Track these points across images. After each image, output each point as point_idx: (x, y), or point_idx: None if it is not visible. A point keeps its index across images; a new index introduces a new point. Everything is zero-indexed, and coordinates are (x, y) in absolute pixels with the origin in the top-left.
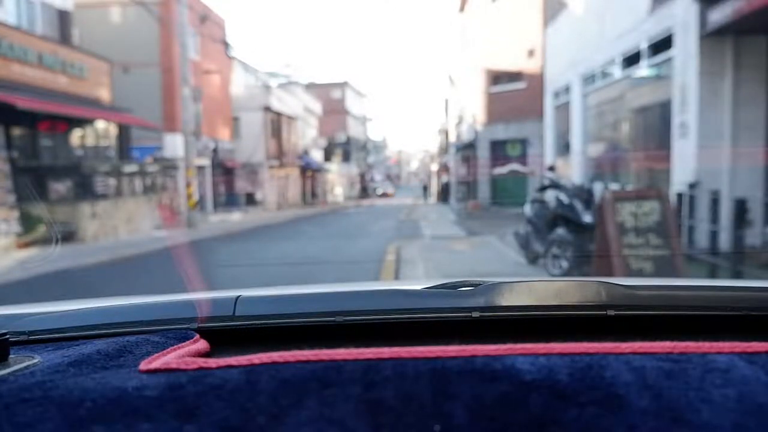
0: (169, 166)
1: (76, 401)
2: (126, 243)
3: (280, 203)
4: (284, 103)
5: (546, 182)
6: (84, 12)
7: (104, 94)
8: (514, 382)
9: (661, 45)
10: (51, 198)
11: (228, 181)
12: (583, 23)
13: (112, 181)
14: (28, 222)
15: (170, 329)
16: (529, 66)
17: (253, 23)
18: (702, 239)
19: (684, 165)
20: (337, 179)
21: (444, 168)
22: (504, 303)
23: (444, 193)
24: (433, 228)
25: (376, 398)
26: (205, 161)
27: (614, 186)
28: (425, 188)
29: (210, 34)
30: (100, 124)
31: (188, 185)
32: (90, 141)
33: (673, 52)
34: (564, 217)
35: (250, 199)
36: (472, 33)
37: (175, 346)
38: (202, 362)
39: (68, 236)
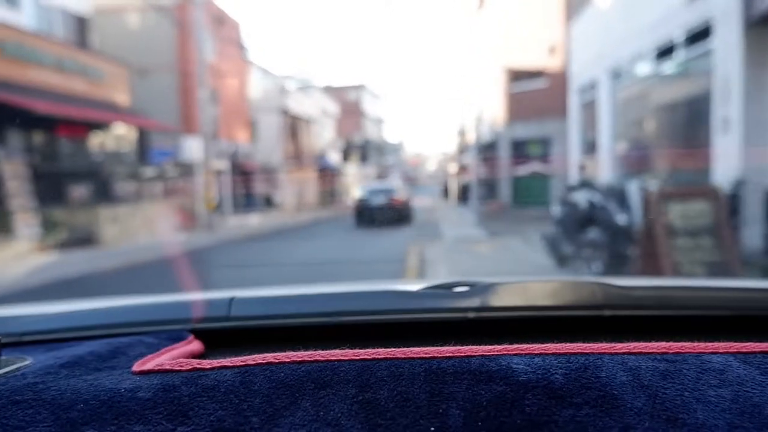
0: (187, 170)
1: (68, 403)
2: (145, 247)
3: (298, 205)
4: (301, 105)
5: (576, 182)
6: (102, 17)
7: (122, 98)
8: (509, 382)
9: (699, 36)
10: (71, 202)
11: (246, 184)
12: (609, 16)
13: (131, 185)
14: (48, 226)
15: (164, 330)
16: (551, 63)
17: (269, 27)
18: (753, 241)
19: (726, 162)
20: (354, 181)
21: (462, 169)
22: (499, 303)
23: (463, 195)
24: (454, 229)
25: (372, 399)
26: (224, 164)
27: (652, 185)
28: (445, 189)
29: (226, 37)
30: (119, 129)
31: (207, 188)
32: (109, 145)
33: (712, 43)
34: (596, 218)
35: (269, 202)
36: (491, 31)
37: (169, 347)
38: (196, 363)
39: (88, 240)
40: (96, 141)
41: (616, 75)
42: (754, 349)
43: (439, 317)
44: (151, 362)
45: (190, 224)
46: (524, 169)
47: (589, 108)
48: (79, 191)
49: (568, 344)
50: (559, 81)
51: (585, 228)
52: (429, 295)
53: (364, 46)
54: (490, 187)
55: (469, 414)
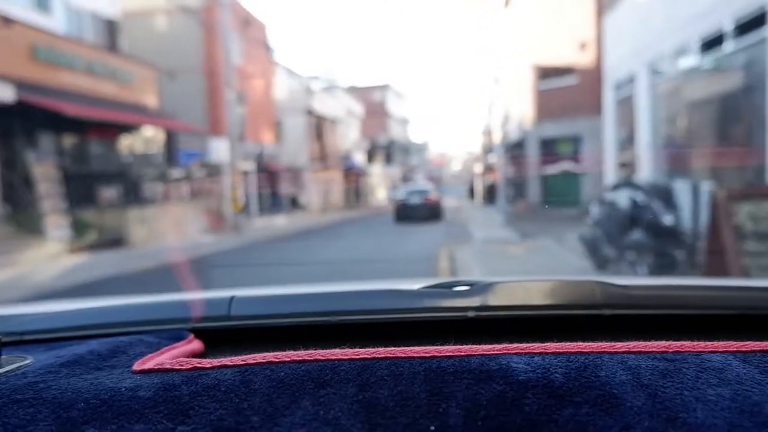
0: (214, 171)
1: (69, 402)
2: (173, 248)
3: (324, 206)
4: (326, 106)
5: (617, 181)
6: (131, 21)
7: (151, 101)
8: (509, 381)
9: (751, 24)
10: (100, 204)
11: (272, 185)
12: (649, 8)
13: (159, 187)
14: (78, 227)
15: (164, 329)
16: (581, 60)
17: (295, 28)
18: None
19: None
20: (380, 181)
21: (488, 169)
22: (499, 303)
23: (489, 195)
24: (483, 230)
25: (372, 398)
26: (250, 165)
27: (706, 184)
28: (470, 190)
29: (253, 38)
30: (148, 131)
31: (234, 189)
32: (138, 147)
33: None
34: (641, 219)
35: (294, 203)
36: (518, 28)
37: (169, 347)
38: (196, 362)
39: (117, 242)
40: (125, 143)
41: (656, 69)
42: (753, 348)
43: (439, 316)
44: (151, 361)
45: (217, 226)
46: (554, 169)
47: (626, 104)
48: (108, 193)
49: (568, 343)
50: (590, 77)
51: (628, 229)
52: (429, 295)
53: (389, 45)
54: (517, 187)
55: (468, 413)
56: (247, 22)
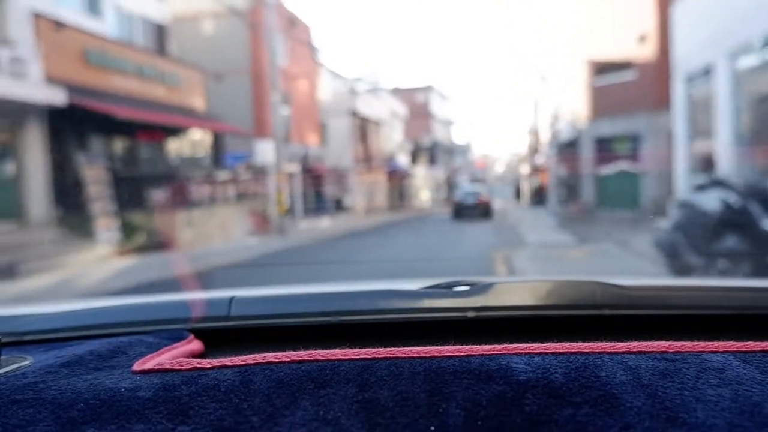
0: (260, 173)
1: (69, 402)
2: (220, 251)
3: (368, 208)
4: (371, 107)
5: (706, 180)
6: (179, 24)
7: (199, 103)
8: (509, 381)
9: None
10: (149, 206)
11: (317, 187)
12: None
13: (206, 189)
14: (127, 230)
15: (164, 329)
16: (641, 53)
17: (339, 29)
18: None
19: None
20: (423, 183)
21: (535, 170)
22: (499, 303)
23: (537, 196)
24: (536, 233)
25: (372, 398)
26: (295, 167)
27: None
28: (517, 191)
29: (298, 39)
30: (195, 133)
31: (279, 192)
32: (185, 149)
33: None
34: (735, 223)
35: (339, 205)
36: (571, 22)
37: (169, 347)
38: (196, 363)
39: (164, 244)
40: (173, 145)
41: (740, 56)
42: (753, 348)
43: (439, 317)
44: (151, 362)
45: (262, 228)
46: (610, 168)
47: (700, 97)
48: (156, 195)
49: (568, 344)
50: (651, 71)
51: (719, 234)
52: (429, 295)
53: (432, 46)
54: (569, 189)
55: (469, 413)
56: (292, 23)
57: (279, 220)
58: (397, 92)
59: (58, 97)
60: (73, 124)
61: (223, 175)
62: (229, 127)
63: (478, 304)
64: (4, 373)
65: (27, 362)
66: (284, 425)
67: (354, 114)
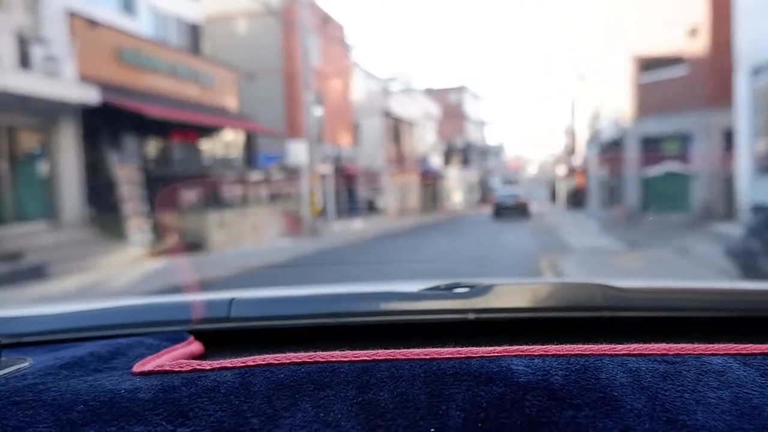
0: (292, 174)
1: (68, 404)
2: (252, 252)
3: (401, 210)
4: (404, 107)
5: None
6: (213, 24)
7: (231, 103)
8: (509, 383)
9: None
10: (181, 207)
11: (349, 188)
12: None
13: (238, 190)
14: (160, 231)
15: (164, 331)
16: (692, 47)
17: (372, 28)
18: None
19: None
20: (456, 185)
21: (572, 171)
22: (499, 305)
23: (575, 198)
24: (579, 238)
25: (371, 400)
26: (327, 168)
27: None
28: (552, 193)
29: (331, 39)
30: (228, 133)
31: (312, 193)
32: (218, 150)
33: None
34: None
35: (371, 206)
36: (615, 17)
37: (169, 348)
38: (196, 364)
39: (196, 246)
40: (206, 145)
41: None
42: (753, 351)
43: (439, 318)
44: (151, 363)
45: (295, 229)
46: (657, 169)
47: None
48: (188, 196)
49: (568, 346)
50: (702, 66)
51: None
52: (429, 297)
53: (466, 44)
54: (612, 190)
55: (469, 415)
56: (325, 21)
57: (312, 222)
58: (430, 93)
59: (91, 95)
60: (106, 123)
61: (255, 175)
62: (262, 127)
63: (479, 306)
64: (4, 374)
65: (26, 364)
66: (284, 427)
67: (387, 114)
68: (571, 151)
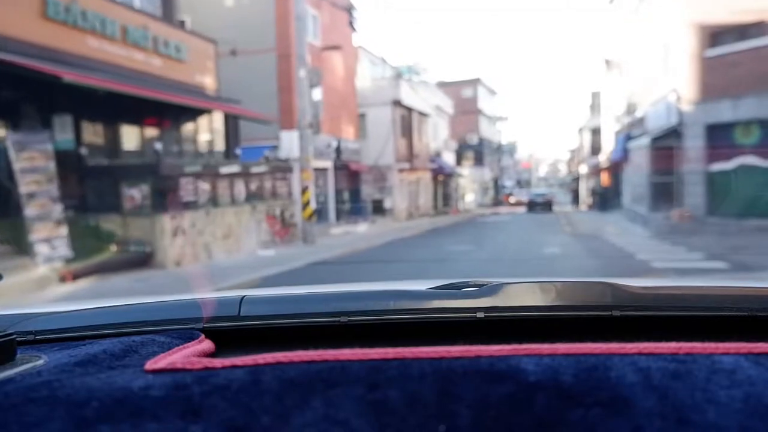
0: (280, 168)
1: (83, 401)
2: (219, 269)
3: (411, 211)
4: (416, 98)
5: None
6: None
7: (208, 82)
8: (518, 382)
9: None
10: (124, 209)
11: (353, 187)
12: None
13: (203, 186)
14: (83, 242)
15: (175, 329)
16: None
17: (382, 8)
18: None
19: None
20: (469, 185)
21: (596, 170)
22: (509, 303)
23: (602, 199)
24: (642, 250)
25: (381, 399)
26: (327, 163)
27: None
28: (575, 193)
29: (333, 13)
30: (204, 119)
31: (304, 191)
32: (189, 137)
33: None
34: None
35: (377, 207)
36: None
37: (181, 346)
38: (207, 362)
39: (142, 261)
40: (172, 132)
41: None
42: (765, 350)
43: (449, 317)
44: (163, 361)
45: (283, 236)
46: (728, 164)
47: None
48: (134, 194)
49: (578, 344)
50: None
51: None
52: (438, 295)
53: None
54: (662, 189)
55: (478, 414)
56: None
57: (304, 227)
58: (442, 85)
59: None
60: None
61: (228, 168)
62: (247, 111)
63: (488, 305)
64: (20, 372)
65: (41, 361)
66: (294, 425)
67: (397, 104)
68: (598, 148)
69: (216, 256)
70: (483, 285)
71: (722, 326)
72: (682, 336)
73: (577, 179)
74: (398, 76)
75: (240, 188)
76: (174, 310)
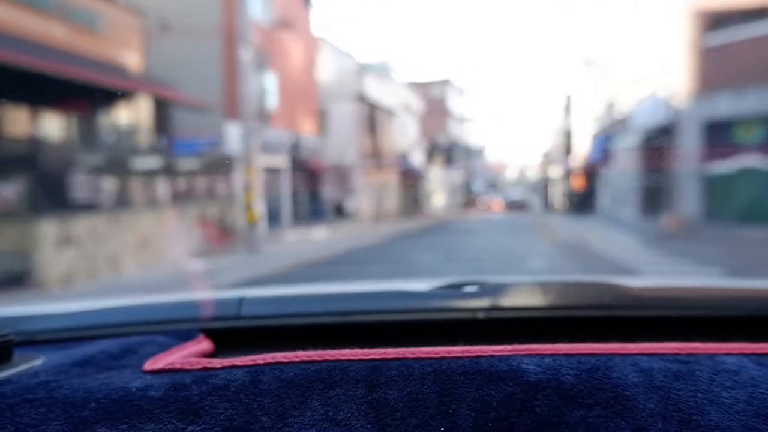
0: (218, 164)
1: (80, 401)
2: (125, 286)
3: (376, 214)
4: (382, 93)
5: None
6: None
7: (132, 59)
8: (519, 383)
9: None
10: None
11: (312, 187)
12: None
13: (108, 184)
14: None
15: (175, 329)
16: None
17: (349, 8)
18: None
19: None
20: (439, 187)
21: (569, 173)
22: (509, 304)
23: (578, 203)
24: (644, 263)
25: (381, 399)
26: (282, 160)
27: None
28: (545, 197)
29: None
30: (122, 101)
31: (247, 191)
32: (103, 124)
33: None
34: None
35: (339, 210)
36: None
37: (180, 346)
38: (206, 362)
39: (12, 280)
40: (88, 119)
41: None
42: None
43: (449, 317)
44: (161, 361)
45: (220, 242)
46: (727, 165)
47: None
48: (5, 193)
49: (579, 344)
50: None
51: None
52: (439, 295)
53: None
54: (651, 193)
55: (479, 414)
56: None
57: (247, 233)
58: (411, 86)
59: None
60: None
61: (144, 162)
62: (179, 95)
63: (488, 305)
64: (17, 372)
65: (39, 362)
66: (294, 425)
67: (362, 99)
68: (567, 150)
69: (126, 270)
70: (483, 285)
71: (725, 327)
72: (684, 336)
73: (547, 183)
74: (363, 68)
75: (164, 188)
76: (173, 310)
